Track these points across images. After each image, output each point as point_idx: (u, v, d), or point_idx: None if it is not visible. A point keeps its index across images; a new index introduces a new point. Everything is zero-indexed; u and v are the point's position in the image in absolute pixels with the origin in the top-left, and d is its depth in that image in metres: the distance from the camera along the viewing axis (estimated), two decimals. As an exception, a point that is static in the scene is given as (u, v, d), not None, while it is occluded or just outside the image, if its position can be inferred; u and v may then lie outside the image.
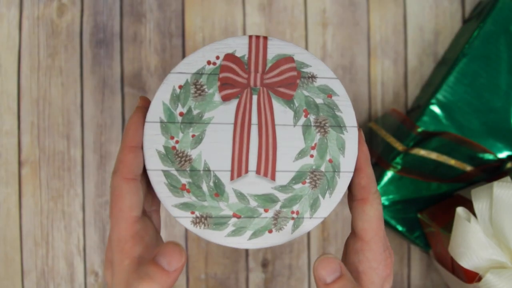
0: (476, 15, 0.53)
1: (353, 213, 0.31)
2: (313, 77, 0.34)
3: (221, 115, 0.32)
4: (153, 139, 0.32)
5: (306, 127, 0.33)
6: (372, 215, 0.30)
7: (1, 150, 0.54)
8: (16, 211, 0.54)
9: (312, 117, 0.33)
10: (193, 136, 0.32)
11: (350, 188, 0.32)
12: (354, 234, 0.31)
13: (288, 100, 0.33)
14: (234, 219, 0.32)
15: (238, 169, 0.32)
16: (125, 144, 0.30)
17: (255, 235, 0.32)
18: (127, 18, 0.54)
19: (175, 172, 0.32)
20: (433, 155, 0.50)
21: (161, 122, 0.32)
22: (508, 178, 0.42)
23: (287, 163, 0.32)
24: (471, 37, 0.50)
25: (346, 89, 0.55)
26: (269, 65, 0.33)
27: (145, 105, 0.31)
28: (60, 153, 0.54)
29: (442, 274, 0.50)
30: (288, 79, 0.33)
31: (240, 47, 0.33)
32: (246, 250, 0.54)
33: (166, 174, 0.32)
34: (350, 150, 0.32)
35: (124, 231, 0.28)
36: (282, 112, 0.33)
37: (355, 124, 0.33)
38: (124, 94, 0.54)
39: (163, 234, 0.54)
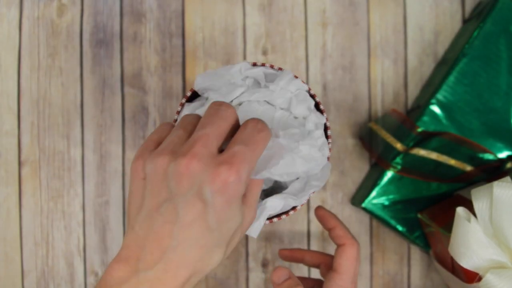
0: (476, 15, 0.53)
1: (334, 254, 0.40)
2: None
3: None
4: None
5: None
6: (349, 255, 0.39)
7: (1, 150, 0.54)
8: (16, 211, 0.54)
9: None
10: None
11: (332, 239, 0.41)
12: (332, 270, 0.40)
13: None
14: None
15: None
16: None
17: None
18: (127, 18, 0.54)
19: None
20: (433, 155, 0.50)
21: None
22: (508, 178, 0.42)
23: None
24: (471, 37, 0.50)
25: (346, 89, 0.55)
26: None
27: None
28: (60, 153, 0.54)
29: (442, 274, 0.50)
30: None
31: None
32: (246, 250, 0.54)
33: None
34: None
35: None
36: None
37: None
38: (124, 94, 0.54)
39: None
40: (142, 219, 0.31)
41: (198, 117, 0.34)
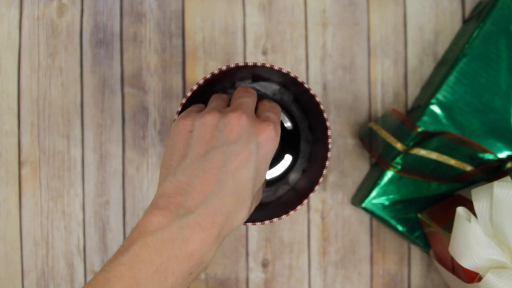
0: (476, 15, 0.53)
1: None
2: None
3: None
4: None
5: None
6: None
7: (1, 150, 0.54)
8: (16, 211, 0.54)
9: None
10: None
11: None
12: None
13: None
14: None
15: None
16: None
17: None
18: (127, 18, 0.54)
19: None
20: (433, 155, 0.50)
21: None
22: (508, 178, 0.42)
23: None
24: (471, 37, 0.50)
25: (346, 89, 0.55)
26: None
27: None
28: (60, 153, 0.54)
29: (442, 274, 0.50)
30: None
31: None
32: (246, 250, 0.54)
33: None
34: None
35: None
36: None
37: None
38: (124, 94, 0.54)
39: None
40: (186, 166, 0.32)
41: (227, 96, 0.39)
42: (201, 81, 0.41)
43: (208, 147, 0.33)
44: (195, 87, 0.41)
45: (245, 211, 0.32)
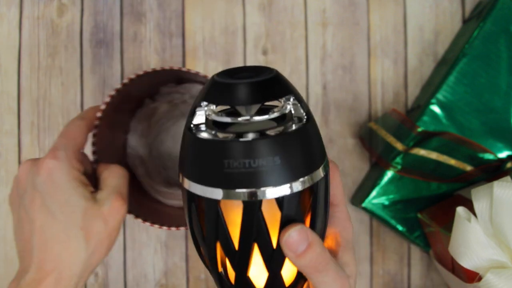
0: (476, 15, 0.53)
1: None
2: None
3: None
4: None
5: None
6: (338, 181, 0.32)
7: (1, 150, 0.54)
8: (16, 211, 0.54)
9: None
10: None
11: None
12: None
13: None
14: None
15: None
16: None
17: None
18: (127, 18, 0.54)
19: None
20: (433, 155, 0.50)
21: None
22: (508, 178, 0.42)
23: None
24: (471, 37, 0.50)
25: (346, 89, 0.55)
26: None
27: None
28: (60, 153, 0.54)
29: (442, 274, 0.50)
30: None
31: None
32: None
33: None
34: None
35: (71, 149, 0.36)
36: None
37: None
38: (124, 94, 0.54)
39: (163, 234, 0.54)
40: (16, 235, 0.35)
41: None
42: (112, 92, 0.39)
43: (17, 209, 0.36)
44: (107, 99, 0.40)
45: (74, 247, 0.33)
